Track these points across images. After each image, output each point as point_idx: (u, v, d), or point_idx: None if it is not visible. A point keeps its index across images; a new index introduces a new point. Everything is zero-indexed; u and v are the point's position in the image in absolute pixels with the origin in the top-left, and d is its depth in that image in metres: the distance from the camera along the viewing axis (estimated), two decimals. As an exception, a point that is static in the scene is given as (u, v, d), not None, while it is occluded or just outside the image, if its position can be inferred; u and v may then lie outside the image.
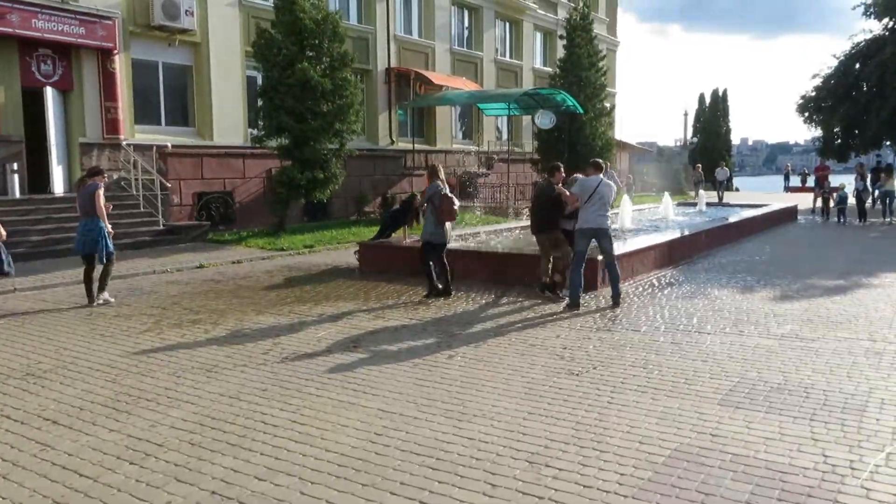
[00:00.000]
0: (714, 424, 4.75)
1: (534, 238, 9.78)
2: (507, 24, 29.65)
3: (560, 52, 26.32)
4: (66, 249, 13.15)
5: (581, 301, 8.77)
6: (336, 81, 16.27)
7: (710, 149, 47.84)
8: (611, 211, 9.21)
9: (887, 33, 32.37)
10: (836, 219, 20.89)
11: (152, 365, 6.32)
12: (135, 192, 15.70)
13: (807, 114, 35.00)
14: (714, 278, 10.81)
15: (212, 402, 5.30)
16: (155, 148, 16.44)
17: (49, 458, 4.32)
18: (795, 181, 44.89)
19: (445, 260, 9.56)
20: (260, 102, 16.61)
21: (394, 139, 23.30)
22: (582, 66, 24.56)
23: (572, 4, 26.67)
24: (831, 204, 21.83)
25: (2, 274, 8.30)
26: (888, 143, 35.26)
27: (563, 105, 22.92)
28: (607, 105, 26.82)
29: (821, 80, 34.38)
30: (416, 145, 24.01)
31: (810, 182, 31.92)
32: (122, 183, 15.91)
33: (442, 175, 9.58)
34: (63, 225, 13.99)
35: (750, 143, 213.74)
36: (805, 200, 25.48)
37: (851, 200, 21.35)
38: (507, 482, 3.93)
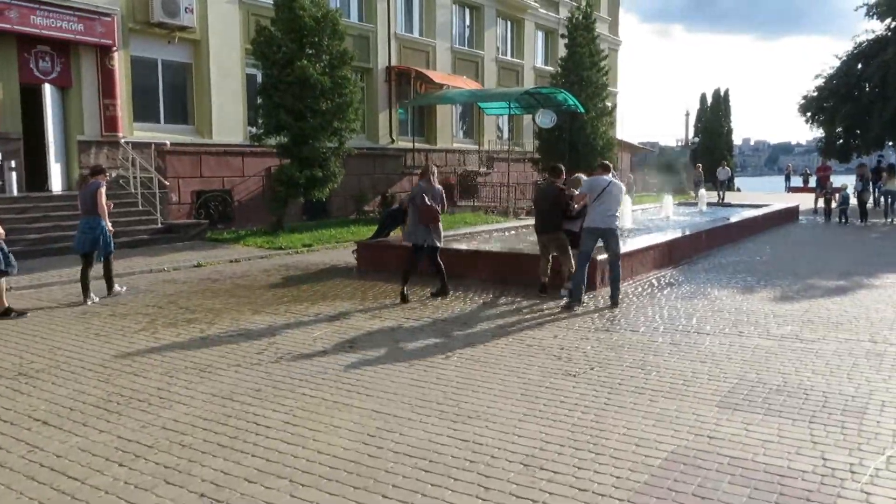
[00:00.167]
0: (712, 427, 4.69)
1: (532, 238, 9.71)
2: (509, 23, 29.58)
3: (561, 52, 26.24)
4: (64, 248, 13.12)
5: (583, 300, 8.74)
6: (335, 79, 16.20)
7: (711, 149, 47.75)
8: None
9: (890, 34, 32.28)
10: (837, 219, 20.81)
11: (146, 365, 6.27)
12: (133, 191, 15.64)
13: (809, 114, 34.90)
14: (714, 278, 10.74)
15: (204, 403, 5.24)
16: (153, 146, 16.40)
17: (37, 459, 4.26)
18: (797, 181, 44.79)
19: (440, 260, 9.36)
20: (259, 100, 16.56)
21: (394, 138, 23.24)
22: (583, 66, 24.47)
23: (574, 3, 26.60)
24: (833, 205, 21.75)
25: (2, 273, 8.32)
26: (890, 143, 35.16)
27: (564, 104, 22.84)
28: (608, 104, 26.73)
29: (823, 80, 34.29)
30: (416, 144, 23.96)
31: (812, 182, 31.84)
32: (121, 181, 15.84)
33: (432, 175, 9.29)
34: (60, 223, 13.94)
35: (752, 143, 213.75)
36: (807, 201, 25.40)
37: (853, 201, 21.27)
38: (501, 485, 3.87)
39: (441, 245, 9.41)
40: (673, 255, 12.16)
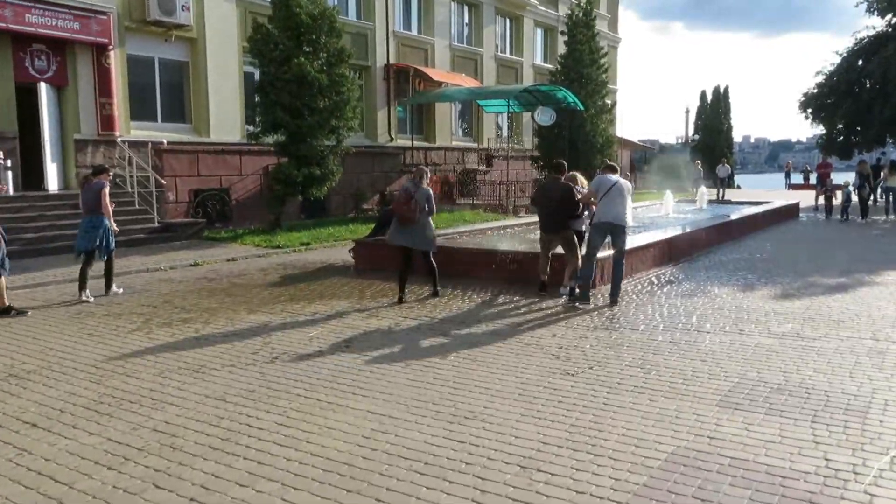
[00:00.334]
0: (712, 427, 4.60)
1: (531, 236, 9.61)
2: (508, 21, 29.47)
3: (561, 49, 26.15)
4: (60, 247, 13.05)
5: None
6: (333, 77, 16.11)
7: (711, 146, 47.69)
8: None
9: (890, 30, 32.19)
10: (839, 216, 20.70)
11: (139, 365, 6.19)
12: (130, 190, 15.55)
13: (809, 111, 34.82)
14: (714, 276, 10.66)
15: (197, 404, 5.16)
16: (150, 144, 16.32)
17: (25, 462, 4.18)
18: (797, 178, 44.69)
19: (433, 262, 9.14)
20: (257, 98, 16.48)
21: (393, 136, 23.15)
22: (583, 63, 24.38)
23: (574, 0, 26.48)
24: (834, 201, 21.67)
25: None
26: (891, 140, 35.06)
27: (563, 102, 22.74)
28: (608, 102, 26.64)
29: (823, 77, 34.21)
30: (415, 142, 23.85)
31: (813, 180, 31.75)
32: (117, 180, 15.71)
33: (420, 176, 8.99)
34: (57, 223, 13.87)
35: (752, 140, 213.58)
36: (807, 198, 25.31)
37: (854, 197, 21.18)
38: (498, 488, 3.79)
39: (431, 249, 9.09)
40: (673, 252, 12.08)
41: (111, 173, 10.63)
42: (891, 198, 21.16)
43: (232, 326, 7.65)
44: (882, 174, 22.40)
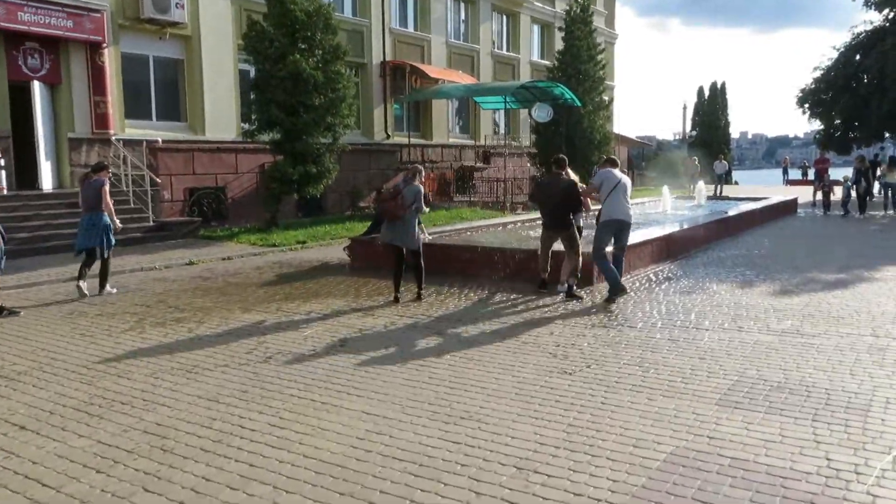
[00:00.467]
0: (712, 426, 4.54)
1: (529, 233, 9.53)
2: (504, 17, 29.36)
3: (558, 45, 26.05)
4: (54, 247, 12.97)
5: (584, 295, 8.78)
6: (328, 74, 16.01)
7: (709, 142, 47.63)
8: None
9: (888, 24, 32.09)
10: (840, 212, 20.60)
11: (131, 366, 6.11)
12: (125, 188, 15.43)
13: (807, 106, 34.71)
14: (712, 273, 10.59)
15: (189, 405, 5.09)
16: (145, 143, 16.22)
17: (12, 466, 4.10)
18: (795, 174, 44.64)
19: (421, 262, 8.86)
20: (252, 96, 16.38)
21: (389, 133, 23.05)
22: (581, 59, 24.31)
23: (570, -4, 26.40)
24: (832, 197, 21.59)
25: None
26: (889, 135, 35.00)
27: (560, 98, 22.66)
28: (605, 98, 26.56)
29: (821, 72, 34.10)
30: (411, 139, 23.75)
31: (811, 175, 31.68)
32: (112, 179, 15.63)
33: (413, 175, 8.84)
34: (51, 222, 13.78)
35: (749, 136, 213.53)
36: (805, 194, 25.24)
37: (853, 193, 21.10)
38: (493, 490, 3.72)
39: (413, 247, 8.81)
40: (671, 249, 12.01)
41: (110, 170, 10.64)
42: (889, 193, 21.10)
43: (226, 326, 7.57)
44: (880, 170, 22.32)
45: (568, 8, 25.49)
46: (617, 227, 8.67)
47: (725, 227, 15.24)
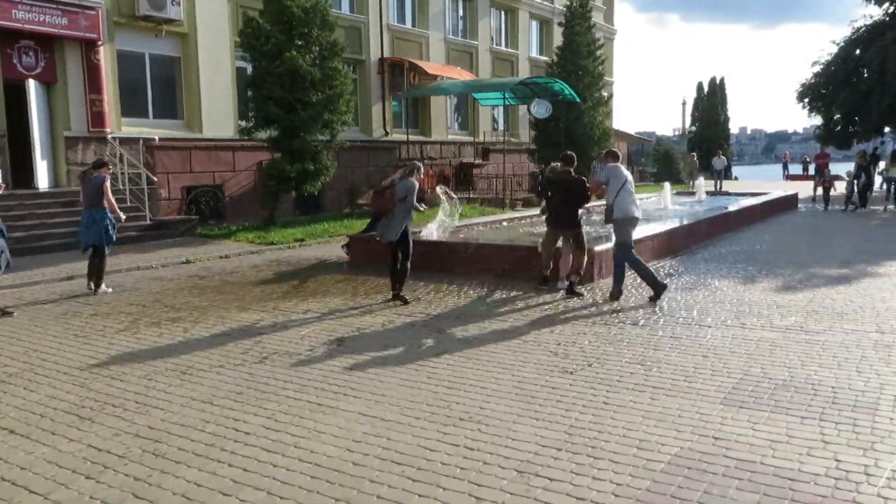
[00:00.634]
0: (716, 426, 4.44)
1: (528, 229, 9.42)
2: (503, 13, 29.20)
3: (556, 41, 25.91)
4: (50, 246, 12.87)
5: (584, 292, 8.72)
6: (326, 71, 15.88)
7: (708, 138, 47.52)
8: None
9: (888, 18, 31.93)
10: (841, 206, 20.46)
11: (124, 367, 6.00)
12: (121, 187, 15.29)
13: (806, 101, 34.55)
14: (714, 269, 10.49)
15: (182, 408, 4.98)
16: (142, 141, 16.08)
17: (-1, 471, 4.00)
18: (795, 169, 44.47)
19: (405, 261, 8.57)
20: (249, 93, 16.25)
21: (388, 130, 22.92)
22: (580, 55, 24.17)
23: (569, -8, 26.24)
24: (832, 192, 21.46)
25: None
26: (889, 129, 34.86)
27: (560, 94, 22.54)
28: (605, 94, 26.43)
29: (821, 66, 33.93)
30: (410, 136, 23.62)
31: (811, 170, 31.53)
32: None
33: (410, 171, 8.68)
34: (47, 221, 13.66)
35: (749, 132, 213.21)
36: (805, 189, 25.12)
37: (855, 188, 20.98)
38: (494, 494, 3.62)
39: (393, 240, 8.53)
40: (672, 244, 11.92)
41: (110, 167, 10.65)
42: (892, 188, 20.99)
43: (222, 325, 7.46)
44: (883, 164, 22.19)
45: (567, 3, 25.34)
46: (635, 224, 8.59)
47: (726, 223, 15.14)
